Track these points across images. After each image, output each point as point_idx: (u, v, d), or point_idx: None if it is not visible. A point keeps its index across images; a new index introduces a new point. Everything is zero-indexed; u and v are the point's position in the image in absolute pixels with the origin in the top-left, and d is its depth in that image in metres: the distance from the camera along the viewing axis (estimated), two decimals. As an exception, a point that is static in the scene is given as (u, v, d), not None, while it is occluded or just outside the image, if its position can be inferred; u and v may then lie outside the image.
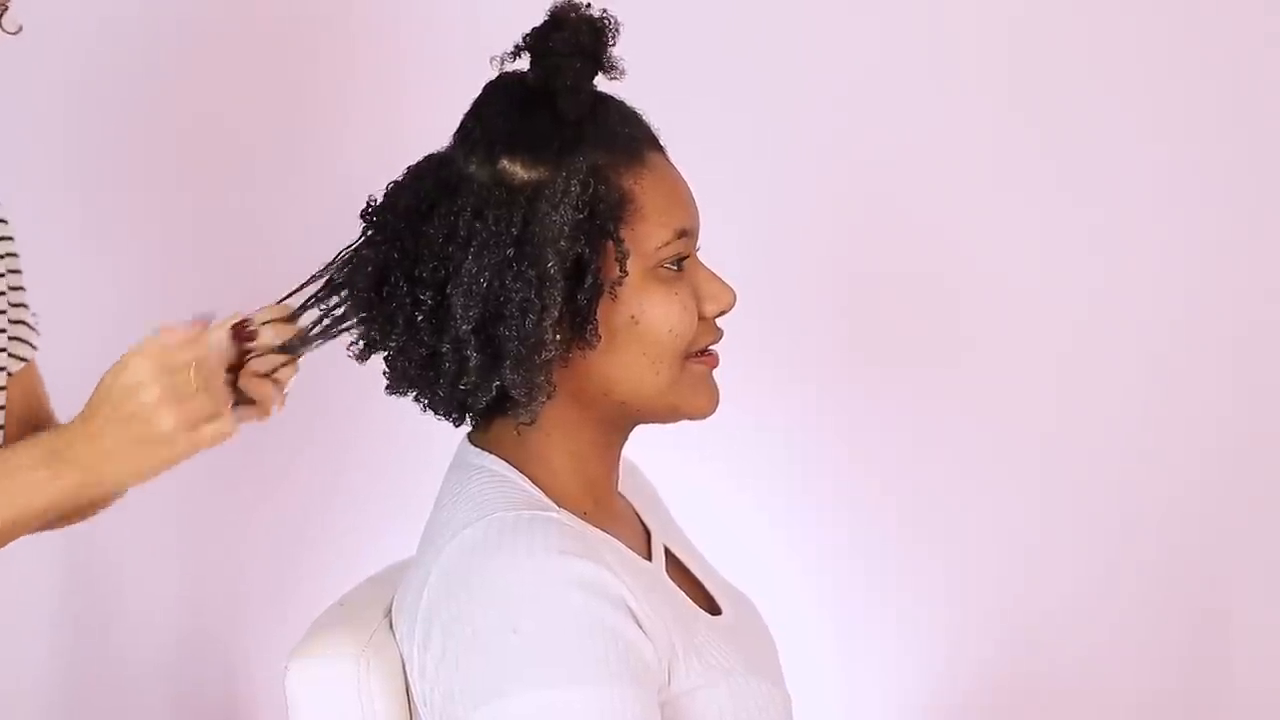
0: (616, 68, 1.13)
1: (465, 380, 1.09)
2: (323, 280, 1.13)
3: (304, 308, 1.13)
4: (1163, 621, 1.97)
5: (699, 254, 1.17)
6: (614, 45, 1.12)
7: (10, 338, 1.35)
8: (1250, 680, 1.97)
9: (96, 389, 1.08)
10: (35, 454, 1.09)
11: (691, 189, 1.16)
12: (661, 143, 1.16)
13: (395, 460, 1.92)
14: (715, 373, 1.17)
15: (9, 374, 1.33)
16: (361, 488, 1.97)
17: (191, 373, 1.06)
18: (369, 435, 1.92)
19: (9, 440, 1.29)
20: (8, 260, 1.34)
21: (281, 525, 1.98)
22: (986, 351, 1.97)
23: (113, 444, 1.06)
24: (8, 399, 1.33)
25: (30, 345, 1.39)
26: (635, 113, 1.15)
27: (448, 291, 1.08)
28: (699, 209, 1.16)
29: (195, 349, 1.07)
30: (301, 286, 1.13)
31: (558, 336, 1.08)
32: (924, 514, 1.99)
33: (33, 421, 1.35)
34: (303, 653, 1.13)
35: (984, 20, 1.94)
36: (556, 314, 1.07)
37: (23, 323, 1.38)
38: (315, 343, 1.12)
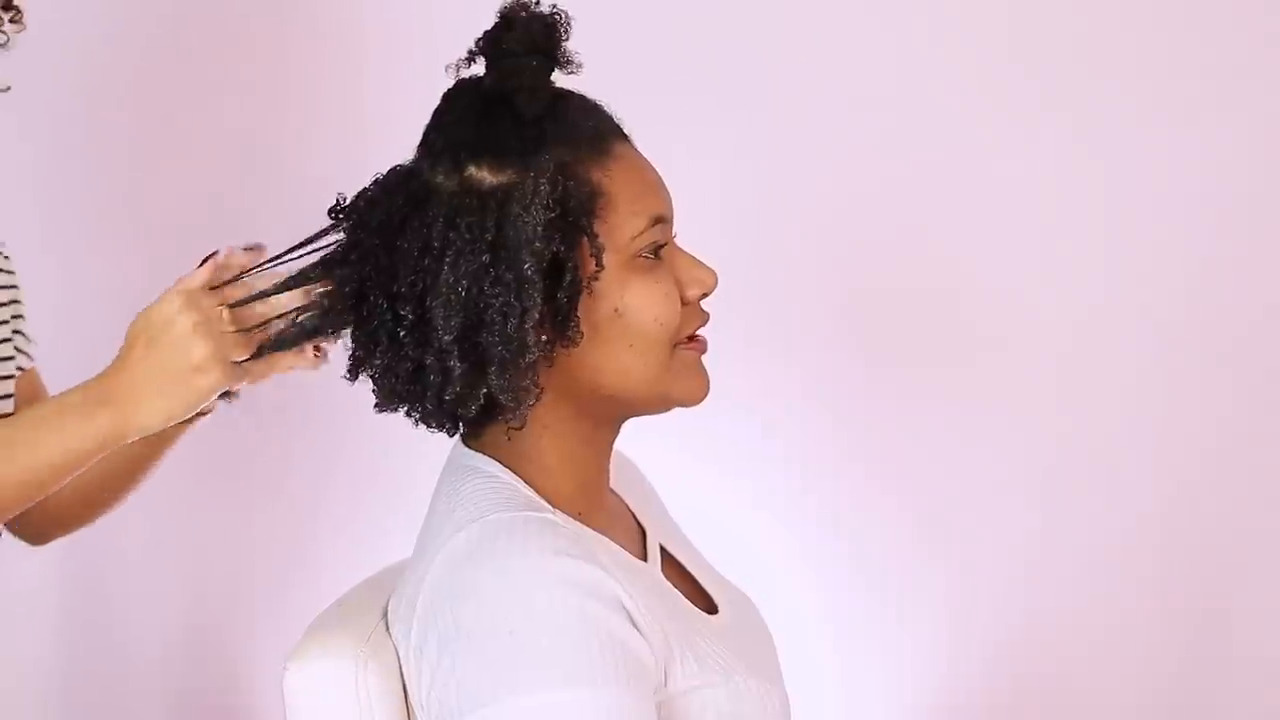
0: (573, 62, 1.12)
1: (451, 390, 1.08)
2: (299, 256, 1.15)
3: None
4: (1163, 622, 1.97)
5: (677, 240, 1.16)
6: (567, 40, 1.11)
7: (15, 347, 1.40)
8: (1250, 681, 1.97)
9: (130, 328, 1.11)
10: (73, 398, 1.12)
11: (666, 179, 1.15)
12: (626, 131, 1.15)
13: (391, 462, 1.92)
14: (713, 368, 1.16)
15: (14, 380, 1.38)
16: (358, 489, 1.97)
17: (224, 311, 1.11)
18: (365, 436, 1.92)
19: None
20: (4, 275, 1.40)
21: (280, 526, 1.98)
22: (988, 351, 1.97)
23: (144, 378, 1.08)
24: (16, 404, 1.38)
25: (27, 355, 1.44)
26: (596, 104, 1.14)
27: (427, 304, 1.07)
28: (671, 195, 1.15)
29: (222, 293, 1.12)
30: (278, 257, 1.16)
31: (542, 338, 1.08)
32: (924, 514, 1.98)
33: None
34: (301, 654, 1.13)
35: (985, 20, 1.93)
36: (538, 315, 1.07)
37: (20, 333, 1.43)
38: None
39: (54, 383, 1.41)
